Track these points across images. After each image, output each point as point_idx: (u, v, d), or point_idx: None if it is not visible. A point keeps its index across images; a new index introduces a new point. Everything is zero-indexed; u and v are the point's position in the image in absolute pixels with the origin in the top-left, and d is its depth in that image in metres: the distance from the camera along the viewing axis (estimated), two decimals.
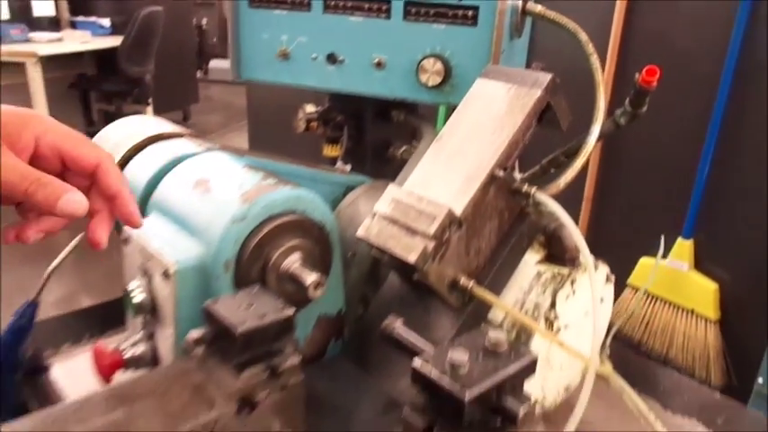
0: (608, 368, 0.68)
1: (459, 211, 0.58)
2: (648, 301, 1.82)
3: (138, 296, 0.60)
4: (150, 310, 0.61)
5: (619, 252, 1.72)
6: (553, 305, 0.64)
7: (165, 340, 0.61)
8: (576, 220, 1.95)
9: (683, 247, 1.75)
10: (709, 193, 1.70)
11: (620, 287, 1.84)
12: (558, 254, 0.68)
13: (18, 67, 3.93)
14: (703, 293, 1.71)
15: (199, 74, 6.59)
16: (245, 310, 0.49)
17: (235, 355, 0.48)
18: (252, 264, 0.59)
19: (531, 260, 0.68)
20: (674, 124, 1.75)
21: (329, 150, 1.04)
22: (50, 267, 0.72)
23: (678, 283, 1.75)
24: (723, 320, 1.71)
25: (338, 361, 0.67)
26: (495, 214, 0.62)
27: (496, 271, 0.64)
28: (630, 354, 0.88)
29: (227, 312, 0.48)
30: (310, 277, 0.58)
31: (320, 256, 0.63)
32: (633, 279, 1.84)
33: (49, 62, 4.07)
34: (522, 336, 0.64)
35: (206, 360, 0.49)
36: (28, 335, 0.72)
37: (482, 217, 0.61)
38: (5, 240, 0.50)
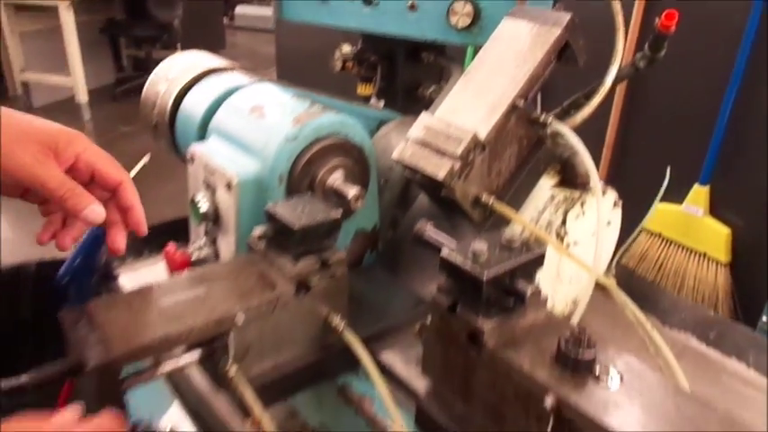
0: (611, 282, 0.76)
1: (483, 135, 0.66)
2: (663, 245, 1.88)
3: (203, 206, 0.69)
4: (213, 218, 0.71)
5: (637, 198, 1.77)
6: (564, 223, 0.73)
7: (227, 245, 0.71)
8: (597, 166, 2.00)
9: (700, 194, 1.81)
10: (728, 140, 1.74)
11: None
12: (570, 179, 0.76)
13: (51, 11, 4.01)
14: (716, 238, 1.77)
15: (225, 20, 6.60)
16: (300, 212, 0.58)
17: (292, 248, 0.58)
18: (302, 179, 0.68)
19: (546, 185, 0.76)
20: (696, 73, 1.78)
21: (363, 89, 1.12)
22: None
23: (693, 227, 1.82)
24: (733, 264, 1.78)
25: (373, 268, 0.77)
26: (515, 140, 0.70)
27: (514, 191, 0.72)
28: (634, 279, 0.97)
29: (285, 213, 0.58)
30: (352, 191, 0.67)
31: (359, 175, 0.72)
32: (649, 224, 1.90)
33: (80, 5, 4.13)
34: None
35: (267, 253, 0.59)
36: (103, 243, 0.83)
37: (503, 142, 0.69)
38: (40, 241, 0.61)
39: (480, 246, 0.51)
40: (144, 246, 1.01)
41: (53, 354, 1.28)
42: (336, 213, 0.59)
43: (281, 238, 0.59)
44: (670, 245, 1.88)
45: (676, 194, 1.85)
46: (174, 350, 0.52)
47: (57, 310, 0.87)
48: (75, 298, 0.87)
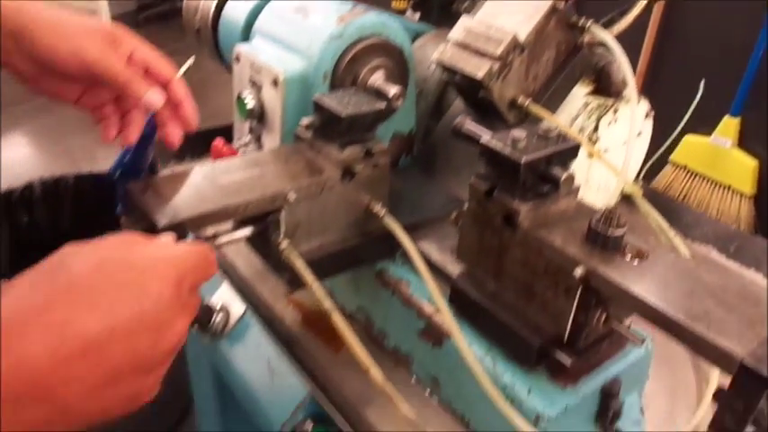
0: (637, 189, 0.79)
1: (522, 36, 0.68)
2: (687, 177, 1.89)
3: (249, 102, 0.73)
4: (258, 116, 0.74)
5: (666, 130, 1.77)
6: (596, 129, 0.75)
7: (272, 142, 0.74)
8: None
9: (729, 125, 1.79)
10: (763, 72, 1.71)
11: (662, 164, 1.91)
12: (605, 88, 0.78)
13: None
14: (742, 170, 1.78)
15: None
16: (346, 102, 0.61)
17: (338, 137, 0.61)
18: (345, 77, 0.70)
19: (580, 93, 0.78)
20: (734, 3, 1.73)
21: (398, 3, 1.13)
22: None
23: (719, 159, 1.81)
24: (757, 196, 1.78)
25: (409, 169, 0.81)
26: (554, 45, 0.72)
27: (549, 96, 0.74)
28: (659, 196, 0.99)
29: (332, 103, 0.61)
30: (393, 89, 0.69)
31: (399, 77, 0.75)
32: (676, 156, 1.90)
33: None
34: None
35: (314, 142, 0.63)
36: (152, 140, 0.87)
37: (542, 45, 0.70)
38: (107, 138, 0.65)
39: (519, 134, 0.54)
40: (186, 151, 1.06)
41: None
42: (381, 105, 0.62)
43: (328, 128, 0.62)
44: (695, 177, 1.89)
45: (705, 127, 1.84)
46: (230, 223, 0.57)
47: (101, 214, 0.93)
48: (125, 192, 0.93)
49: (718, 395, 0.43)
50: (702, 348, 0.43)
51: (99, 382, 0.36)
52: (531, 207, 0.54)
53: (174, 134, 0.63)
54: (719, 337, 0.42)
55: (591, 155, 0.75)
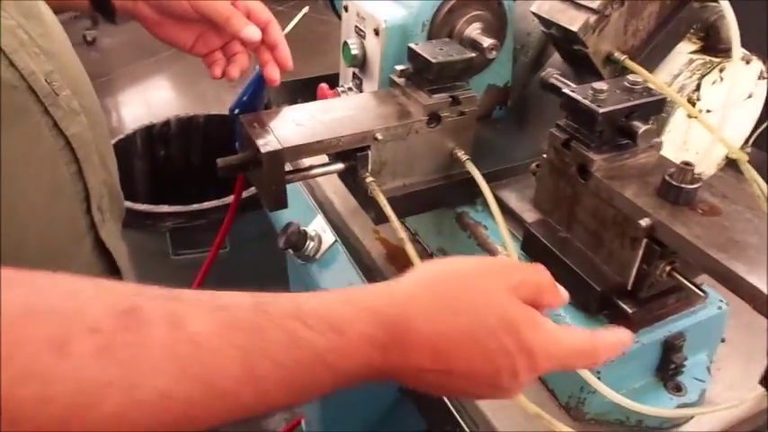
0: (742, 155, 0.76)
1: None
2: None
3: (354, 49, 0.78)
4: (361, 63, 0.80)
5: None
6: (698, 88, 0.73)
7: (371, 88, 0.79)
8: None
9: None
10: None
11: None
12: (713, 45, 0.75)
13: None
14: None
15: None
16: (438, 50, 0.65)
17: (428, 84, 0.65)
18: (442, 27, 0.73)
19: (685, 49, 0.75)
20: None
21: None
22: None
23: None
24: None
25: (501, 120, 0.83)
26: None
27: (649, 52, 0.73)
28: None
29: (425, 51, 0.65)
30: (488, 41, 0.72)
31: (496, 30, 0.76)
32: None
33: None
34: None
35: (406, 88, 0.67)
36: (265, 86, 0.96)
37: None
38: (214, 76, 0.73)
39: (601, 85, 0.55)
40: (297, 95, 1.14)
41: (217, 192, 1.50)
42: (471, 54, 0.65)
43: (420, 75, 0.66)
44: None
45: None
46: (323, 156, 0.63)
47: (225, 151, 1.04)
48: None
49: None
50: (759, 301, 0.44)
51: (426, 380, 0.41)
52: (607, 158, 0.55)
53: (272, 73, 0.72)
54: None
55: (690, 115, 0.73)
